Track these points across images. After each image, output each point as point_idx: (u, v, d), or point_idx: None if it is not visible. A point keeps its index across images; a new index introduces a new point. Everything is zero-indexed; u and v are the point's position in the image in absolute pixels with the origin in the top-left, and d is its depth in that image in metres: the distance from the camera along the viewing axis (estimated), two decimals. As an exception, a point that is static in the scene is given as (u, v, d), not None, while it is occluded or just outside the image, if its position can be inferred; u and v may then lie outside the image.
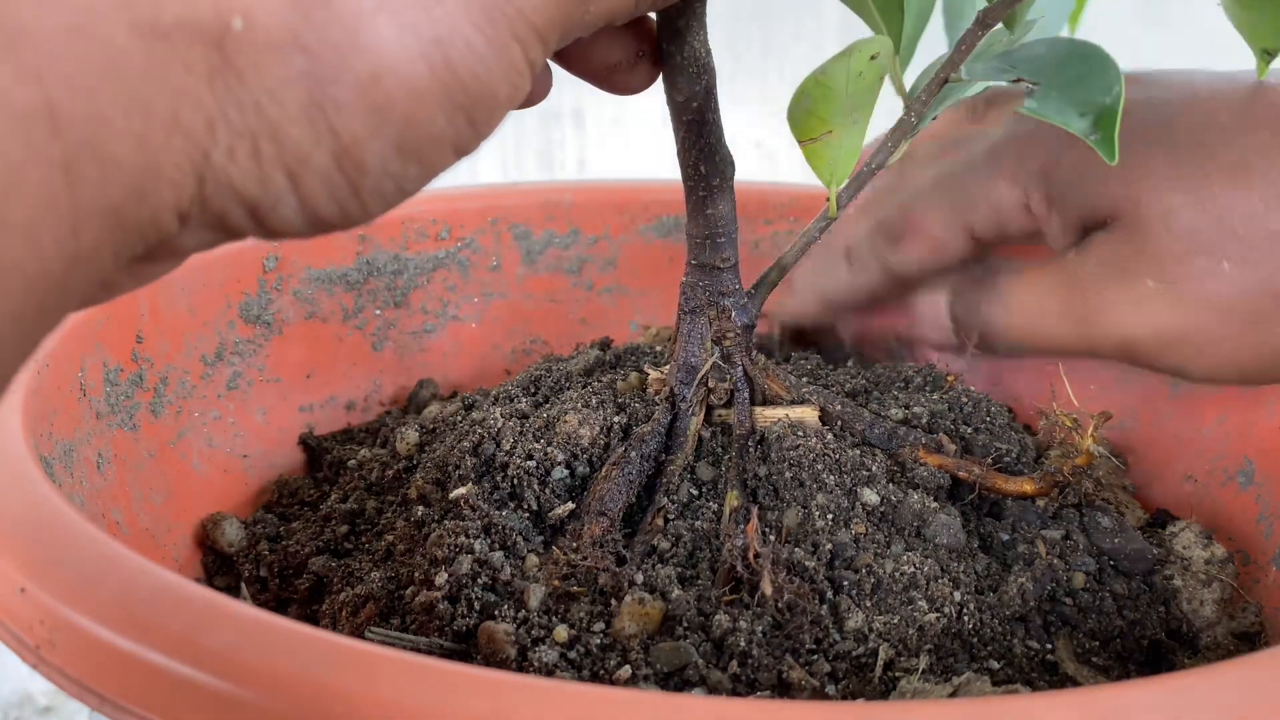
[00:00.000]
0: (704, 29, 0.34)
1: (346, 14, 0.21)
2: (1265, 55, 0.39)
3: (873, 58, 0.34)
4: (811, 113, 0.36)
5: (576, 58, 0.32)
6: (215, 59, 0.20)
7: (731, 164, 0.37)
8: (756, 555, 0.34)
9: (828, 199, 0.38)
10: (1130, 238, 0.39)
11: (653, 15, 0.33)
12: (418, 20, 0.21)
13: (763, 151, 0.96)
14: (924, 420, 0.41)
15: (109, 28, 0.18)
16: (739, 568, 0.34)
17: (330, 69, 0.21)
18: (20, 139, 0.18)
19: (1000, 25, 0.36)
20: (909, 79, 0.39)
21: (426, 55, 0.21)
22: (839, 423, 0.40)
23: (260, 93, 0.20)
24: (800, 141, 0.37)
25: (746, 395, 0.40)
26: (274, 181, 0.21)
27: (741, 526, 0.36)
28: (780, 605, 0.33)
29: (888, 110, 0.38)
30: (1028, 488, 0.37)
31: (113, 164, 0.19)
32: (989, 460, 0.40)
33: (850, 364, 0.48)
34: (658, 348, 0.49)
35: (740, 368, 0.40)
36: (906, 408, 0.42)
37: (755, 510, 0.36)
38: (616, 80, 0.32)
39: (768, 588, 0.33)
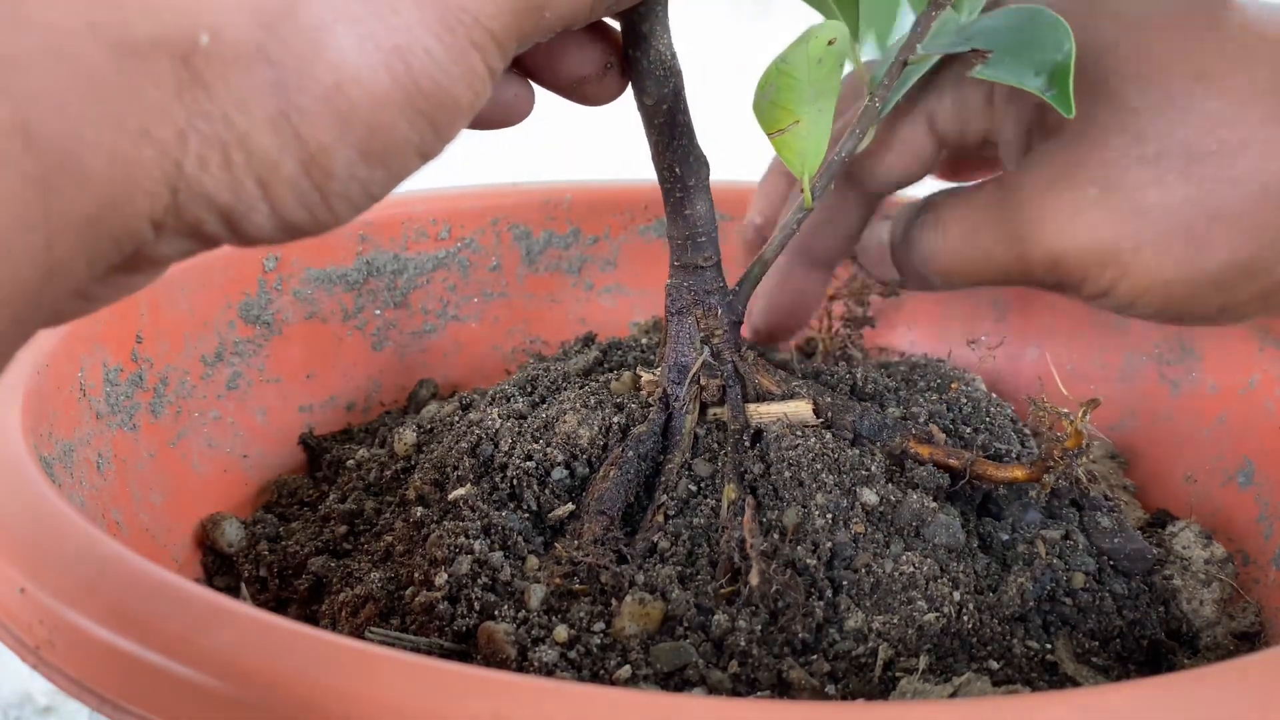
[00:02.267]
0: (668, 32, 0.34)
1: (309, 26, 0.21)
2: None
3: (830, 43, 0.34)
4: (776, 104, 0.36)
5: (545, 71, 0.32)
6: (184, 73, 0.20)
7: (706, 164, 0.37)
8: (750, 545, 0.34)
9: (802, 189, 0.38)
10: (1078, 141, 0.37)
11: (616, 24, 0.34)
12: (376, 30, 0.22)
13: (752, 149, 0.96)
14: (922, 420, 0.41)
15: (80, 46, 0.19)
16: (736, 559, 0.34)
17: (295, 79, 0.21)
18: None
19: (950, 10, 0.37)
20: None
21: (387, 63, 0.22)
22: (829, 414, 0.40)
23: (228, 104, 0.21)
24: (769, 134, 0.37)
25: (739, 391, 0.40)
26: (245, 189, 0.22)
27: (738, 519, 0.36)
28: (770, 595, 0.33)
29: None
30: (1018, 473, 0.37)
31: (86, 176, 0.19)
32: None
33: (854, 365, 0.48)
34: (643, 340, 0.49)
35: (730, 364, 0.40)
36: (905, 406, 0.42)
37: (750, 502, 0.36)
38: (586, 92, 0.33)
39: (755, 577, 0.33)
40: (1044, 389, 0.42)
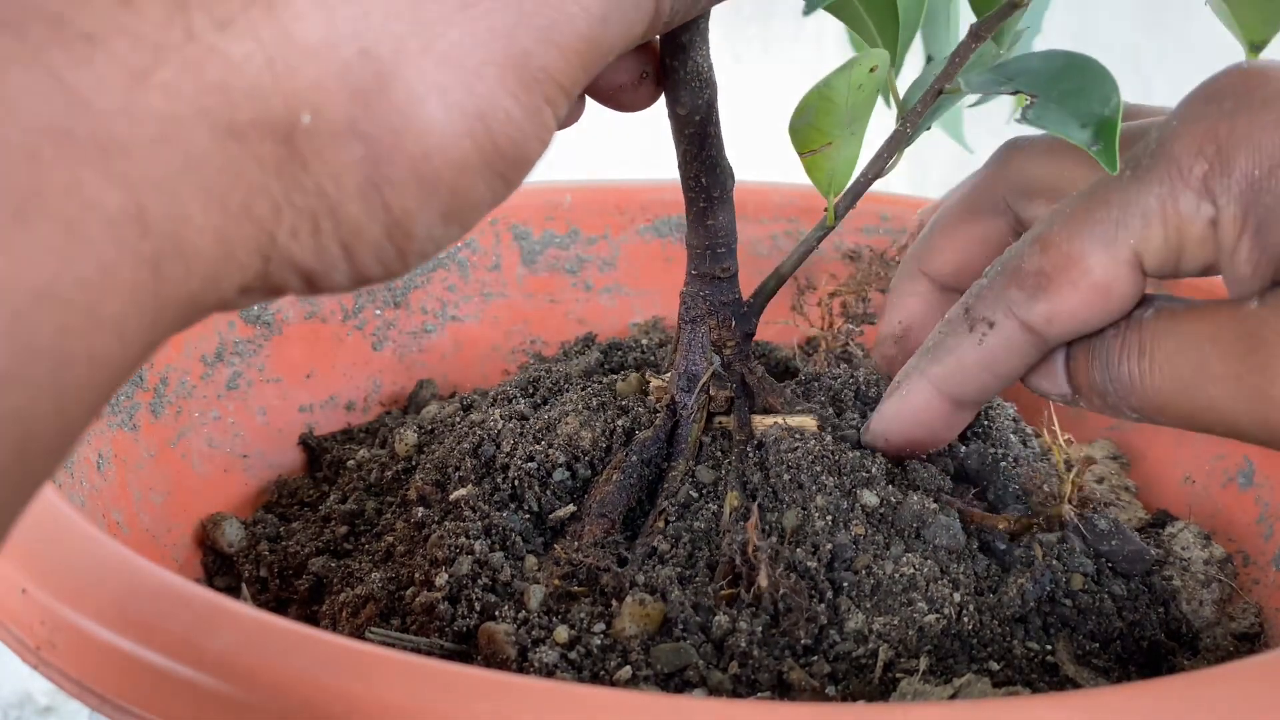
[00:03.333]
0: (706, 44, 0.34)
1: (401, 101, 0.22)
2: (1254, 48, 0.40)
3: (872, 70, 0.34)
4: (813, 125, 0.36)
5: None
6: (283, 151, 0.21)
7: (732, 176, 0.37)
8: (755, 549, 0.34)
9: (825, 208, 0.38)
10: None
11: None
12: (462, 99, 0.23)
13: (762, 153, 0.96)
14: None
15: (190, 133, 0.20)
16: (738, 562, 0.34)
17: (386, 151, 0.22)
18: (113, 240, 0.19)
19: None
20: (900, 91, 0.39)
21: (471, 130, 0.23)
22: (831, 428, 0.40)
23: (323, 177, 0.22)
24: (801, 154, 0.37)
25: (746, 403, 0.40)
26: (330, 254, 0.23)
27: (742, 523, 0.36)
28: (776, 598, 0.33)
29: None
30: (1001, 525, 0.38)
31: (194, 257, 0.20)
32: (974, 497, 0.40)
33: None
34: (643, 340, 0.49)
35: (740, 376, 0.40)
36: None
37: (755, 507, 0.36)
38: (621, 99, 0.33)
39: (763, 580, 0.33)
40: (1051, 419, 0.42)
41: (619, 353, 0.48)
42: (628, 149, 0.94)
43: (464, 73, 0.23)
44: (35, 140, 0.18)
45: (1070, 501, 0.37)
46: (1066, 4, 0.96)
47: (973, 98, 0.45)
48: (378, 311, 0.56)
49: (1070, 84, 0.34)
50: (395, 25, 0.22)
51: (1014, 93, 0.35)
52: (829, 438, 0.38)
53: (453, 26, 0.23)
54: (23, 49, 0.18)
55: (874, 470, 0.37)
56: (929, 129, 0.40)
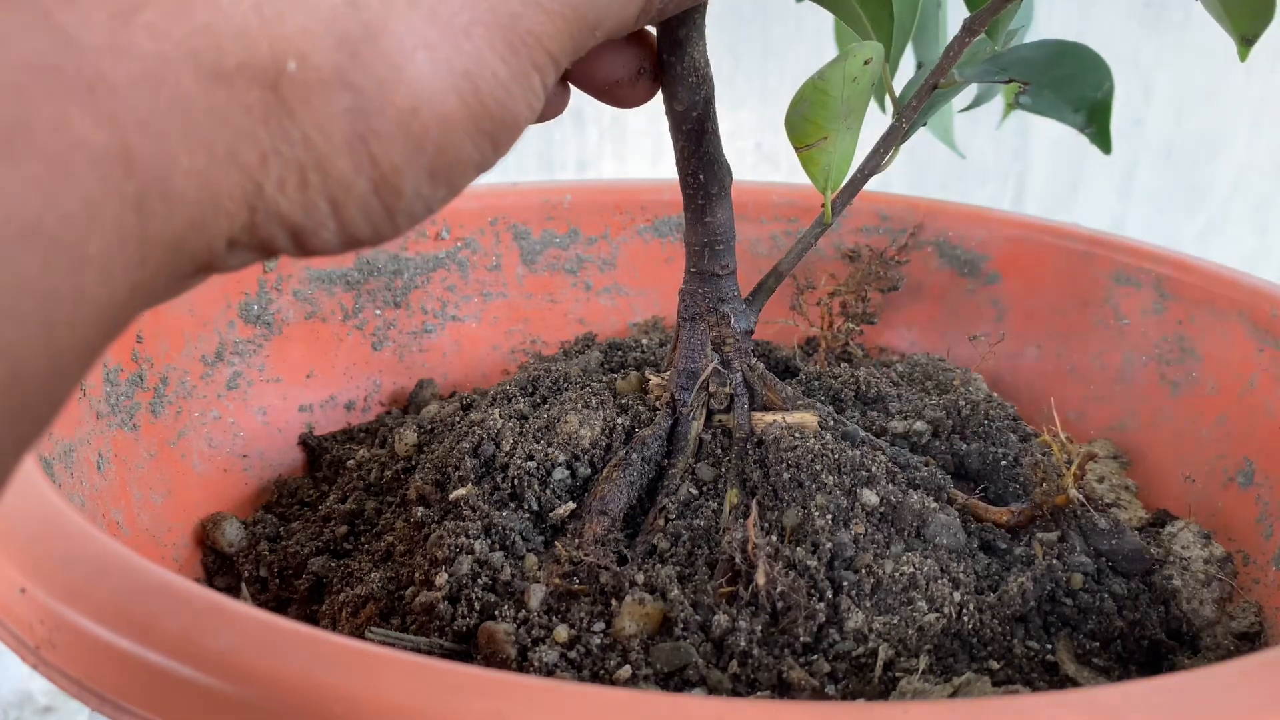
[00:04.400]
0: (703, 40, 0.34)
1: (390, 52, 0.22)
2: (1245, 42, 0.40)
3: (866, 62, 0.34)
4: (808, 119, 0.36)
5: (580, 74, 0.33)
6: (270, 98, 0.21)
7: (729, 172, 0.37)
8: (755, 546, 0.34)
9: (823, 205, 0.38)
10: None
11: (652, 29, 0.34)
12: (451, 55, 0.23)
13: (762, 153, 0.96)
14: (924, 439, 0.41)
15: (177, 74, 0.20)
16: (737, 559, 0.34)
17: (373, 103, 0.22)
18: (98, 178, 0.19)
19: (983, 35, 0.36)
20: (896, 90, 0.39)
21: (458, 87, 0.23)
22: (832, 423, 0.40)
23: (310, 127, 0.22)
24: (797, 148, 0.37)
25: (746, 400, 0.40)
26: (318, 209, 0.23)
27: (741, 521, 0.36)
28: (774, 595, 0.33)
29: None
30: (1004, 518, 0.38)
31: (178, 199, 0.20)
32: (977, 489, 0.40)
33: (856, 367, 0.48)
34: (643, 340, 0.49)
35: (739, 373, 0.40)
36: (906, 418, 0.42)
37: (754, 505, 0.36)
38: (619, 95, 0.33)
39: (761, 578, 0.33)
40: (1045, 421, 0.42)
41: (619, 352, 0.48)
42: (628, 149, 0.94)
43: (452, 30, 0.23)
44: (23, 76, 0.18)
45: (1073, 489, 0.37)
46: (1066, 3, 0.96)
47: (963, 102, 0.45)
48: (378, 311, 0.56)
49: (1063, 70, 0.35)
50: None
51: (1007, 81, 0.35)
52: (829, 436, 0.39)
53: None
54: None
55: (874, 469, 0.37)
56: (924, 125, 0.40)
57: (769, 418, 0.40)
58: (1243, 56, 0.40)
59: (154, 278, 0.21)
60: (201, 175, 0.20)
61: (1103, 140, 0.33)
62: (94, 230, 0.19)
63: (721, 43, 0.92)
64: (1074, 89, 0.34)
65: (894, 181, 1.01)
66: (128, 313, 0.21)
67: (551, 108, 0.32)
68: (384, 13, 0.22)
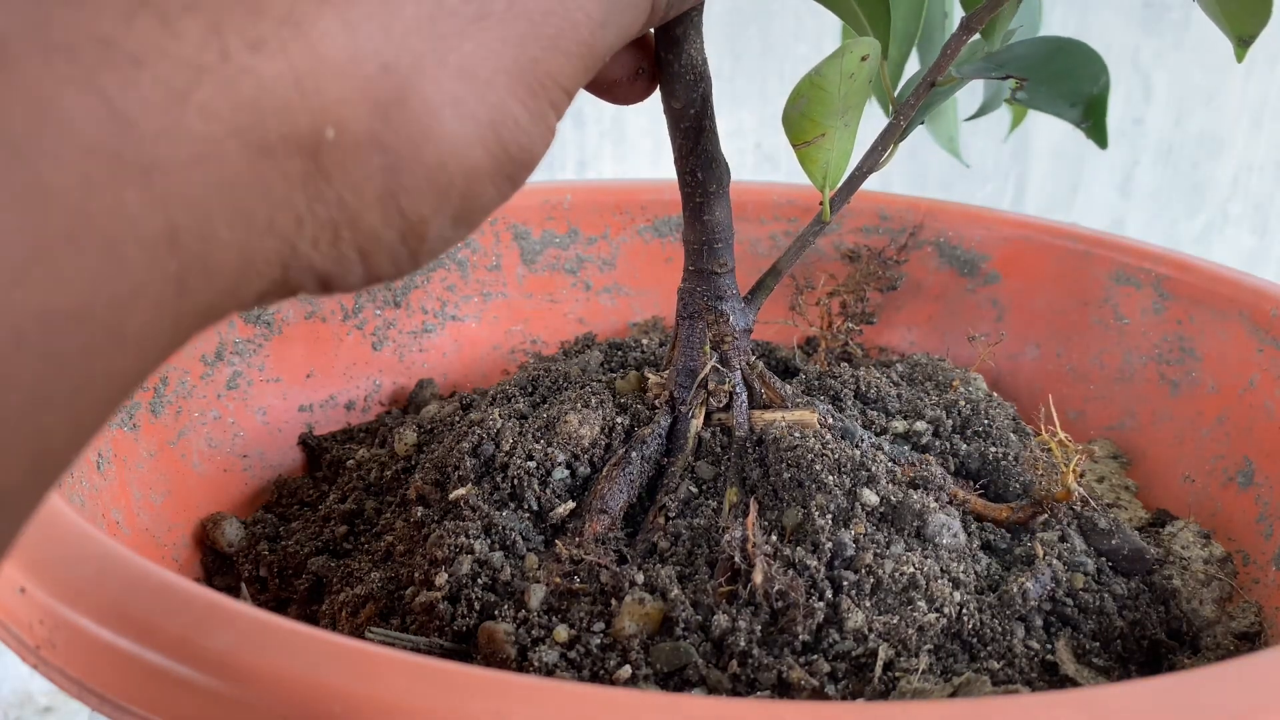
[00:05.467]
0: (701, 38, 0.34)
1: (419, 113, 0.23)
2: (1242, 43, 0.40)
3: (863, 59, 0.34)
4: (806, 115, 0.36)
5: None
6: (309, 165, 0.22)
7: (728, 171, 0.37)
8: (754, 546, 0.34)
9: (821, 202, 0.38)
10: None
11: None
12: (476, 109, 0.24)
13: (762, 152, 0.96)
14: (925, 439, 0.41)
15: (224, 151, 0.20)
16: (737, 559, 0.34)
17: (405, 161, 0.23)
18: (146, 261, 0.19)
19: (979, 36, 0.36)
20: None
21: (483, 138, 0.24)
22: (831, 421, 0.40)
23: (344, 188, 0.22)
24: (795, 145, 0.37)
25: (745, 398, 0.40)
26: (348, 259, 0.23)
27: (741, 520, 0.36)
28: (772, 595, 0.33)
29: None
30: (1003, 515, 0.38)
31: (217, 272, 0.21)
32: (976, 485, 0.40)
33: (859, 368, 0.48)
34: (643, 340, 0.49)
35: (738, 371, 0.40)
36: (906, 418, 0.42)
37: (754, 503, 0.36)
38: (617, 93, 0.34)
39: (759, 577, 0.33)
40: (1043, 417, 0.42)
41: (619, 352, 0.48)
42: (628, 149, 0.94)
43: (477, 83, 0.24)
44: (88, 162, 0.18)
45: (1073, 484, 0.37)
46: (1066, 4, 0.96)
47: (969, 110, 0.45)
48: (378, 311, 0.56)
49: (1059, 66, 0.35)
50: (414, 40, 0.23)
51: (1004, 77, 0.36)
52: (829, 435, 0.38)
53: (466, 39, 0.23)
54: (76, 71, 0.19)
55: (875, 469, 0.37)
56: (923, 123, 0.40)
57: (769, 416, 0.40)
58: (1240, 57, 0.40)
59: (182, 342, 0.21)
60: (240, 245, 0.21)
61: (1099, 135, 0.33)
62: (135, 311, 0.19)
63: (721, 42, 0.93)
64: (1070, 84, 0.34)
65: (894, 181, 1.01)
66: (150, 370, 0.21)
67: None
68: (414, 74, 0.23)
